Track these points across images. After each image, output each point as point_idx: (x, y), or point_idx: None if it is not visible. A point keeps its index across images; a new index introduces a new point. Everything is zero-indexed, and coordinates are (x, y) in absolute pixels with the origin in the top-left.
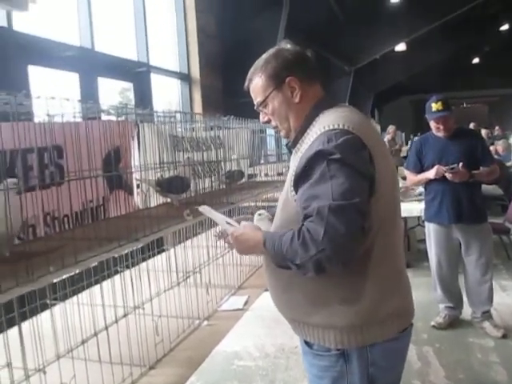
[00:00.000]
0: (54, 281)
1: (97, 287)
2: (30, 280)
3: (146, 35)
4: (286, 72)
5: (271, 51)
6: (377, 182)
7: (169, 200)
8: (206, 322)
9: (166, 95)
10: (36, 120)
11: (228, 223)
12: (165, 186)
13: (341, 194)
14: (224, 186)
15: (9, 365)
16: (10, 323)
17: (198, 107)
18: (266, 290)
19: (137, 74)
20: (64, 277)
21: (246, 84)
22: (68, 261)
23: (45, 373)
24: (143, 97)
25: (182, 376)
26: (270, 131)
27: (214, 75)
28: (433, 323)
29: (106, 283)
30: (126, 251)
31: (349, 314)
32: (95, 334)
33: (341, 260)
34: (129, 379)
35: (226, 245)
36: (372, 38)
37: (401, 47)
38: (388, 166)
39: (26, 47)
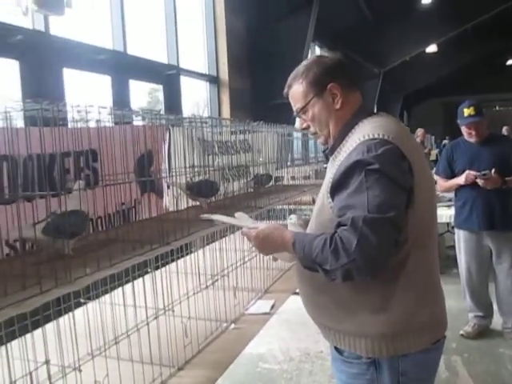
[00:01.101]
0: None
1: (127, 287)
2: (68, 281)
3: (177, 38)
4: (328, 78)
5: (312, 58)
6: (415, 194)
7: (198, 203)
8: (233, 325)
9: (194, 97)
10: (71, 125)
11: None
12: (195, 190)
13: (377, 206)
14: (252, 190)
15: (47, 362)
16: (45, 320)
17: (225, 109)
18: (294, 294)
19: (167, 76)
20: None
21: (285, 90)
22: (103, 263)
23: (80, 371)
24: (172, 99)
25: (210, 378)
26: (298, 134)
27: (243, 77)
28: (461, 332)
29: (137, 283)
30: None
31: (380, 322)
32: (127, 334)
33: (370, 271)
34: (158, 379)
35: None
36: (402, 40)
37: (432, 49)
38: (427, 178)
39: (61, 51)
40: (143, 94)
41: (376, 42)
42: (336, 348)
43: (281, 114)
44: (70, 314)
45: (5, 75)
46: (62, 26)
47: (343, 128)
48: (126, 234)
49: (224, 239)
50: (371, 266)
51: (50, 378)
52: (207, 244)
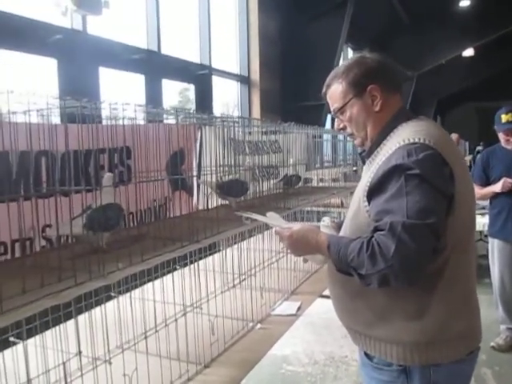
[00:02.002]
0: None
1: (156, 283)
2: (101, 275)
3: (210, 38)
4: (369, 80)
5: (353, 58)
6: (456, 201)
7: (227, 202)
8: (259, 325)
9: (224, 97)
10: (106, 122)
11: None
12: (225, 189)
13: (416, 212)
14: (281, 191)
15: (79, 353)
16: (77, 312)
17: (255, 109)
18: (321, 297)
19: (199, 76)
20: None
21: (324, 90)
22: (135, 259)
23: (110, 363)
24: (203, 98)
25: (235, 377)
26: (327, 136)
27: (273, 78)
28: (492, 344)
29: (165, 279)
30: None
31: (414, 330)
32: (156, 330)
33: (407, 278)
34: (185, 376)
35: (282, 244)
36: (438, 43)
37: (469, 52)
38: (468, 185)
39: (98, 50)
40: (174, 94)
41: (410, 45)
42: (366, 354)
43: (310, 115)
44: (102, 306)
45: (44, 73)
46: (98, 26)
47: (382, 131)
48: (156, 231)
49: (251, 239)
50: (408, 272)
51: (81, 369)
52: (234, 243)
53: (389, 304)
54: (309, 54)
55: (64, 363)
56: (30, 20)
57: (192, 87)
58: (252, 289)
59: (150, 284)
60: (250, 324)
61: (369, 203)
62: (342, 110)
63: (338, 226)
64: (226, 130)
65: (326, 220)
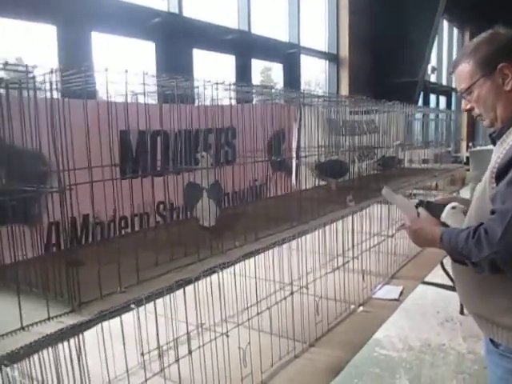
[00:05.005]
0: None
1: (258, 259)
2: (221, 252)
3: (299, 17)
4: (499, 58)
5: (484, 35)
6: None
7: (324, 183)
8: (361, 308)
9: (305, 74)
10: (211, 103)
11: (408, 209)
12: (324, 170)
13: None
14: (377, 172)
15: (201, 325)
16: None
17: (344, 88)
18: (423, 283)
19: (288, 55)
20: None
21: (451, 70)
22: (249, 237)
23: (228, 336)
24: (291, 77)
25: (340, 358)
26: (419, 115)
27: (363, 55)
28: None
29: (263, 256)
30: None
31: None
32: (268, 307)
33: None
34: (292, 353)
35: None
36: None
37: None
38: None
39: (192, 32)
40: (256, 73)
41: None
42: (491, 340)
43: (403, 93)
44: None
45: (143, 56)
46: (193, 8)
47: None
48: (262, 210)
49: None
50: None
51: (203, 339)
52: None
53: None
54: (402, 27)
55: (189, 333)
56: (130, 4)
57: (274, 67)
58: (353, 271)
59: (251, 260)
60: (352, 306)
61: (497, 184)
62: (468, 90)
63: (465, 212)
64: (325, 109)
65: (457, 206)
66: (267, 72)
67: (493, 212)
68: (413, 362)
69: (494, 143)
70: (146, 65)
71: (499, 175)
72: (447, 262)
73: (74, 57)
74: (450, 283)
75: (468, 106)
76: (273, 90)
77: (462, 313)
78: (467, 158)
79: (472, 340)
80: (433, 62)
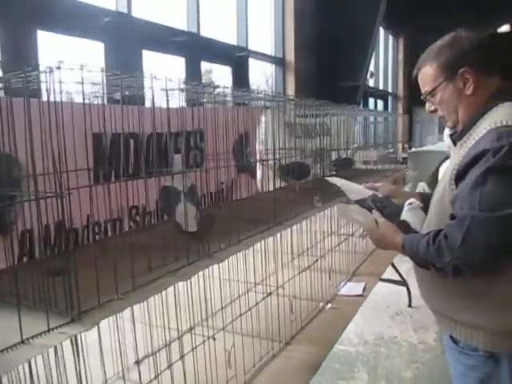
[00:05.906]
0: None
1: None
2: (207, 255)
3: (247, 20)
4: (461, 62)
5: (447, 38)
6: None
7: (286, 184)
8: (329, 305)
9: (252, 78)
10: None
11: (364, 221)
12: (288, 172)
13: (489, 203)
14: (334, 173)
15: (192, 328)
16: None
17: (290, 92)
18: (381, 280)
19: (236, 58)
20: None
21: (414, 72)
22: (233, 239)
23: (214, 339)
24: (240, 81)
25: (316, 354)
26: (359, 118)
27: (309, 59)
28: None
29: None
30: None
31: (502, 317)
32: (249, 308)
33: (475, 270)
34: (270, 353)
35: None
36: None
37: None
38: None
39: (141, 32)
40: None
41: (454, 23)
42: (451, 337)
43: (344, 96)
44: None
45: (91, 57)
46: (142, 8)
47: (473, 114)
48: (236, 212)
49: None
50: (475, 265)
51: (195, 343)
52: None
53: (478, 289)
54: (345, 34)
55: (179, 338)
56: (79, 3)
57: (215, 68)
58: (320, 270)
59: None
60: (321, 304)
61: (456, 187)
62: (432, 93)
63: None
64: (291, 112)
65: (414, 202)
66: (208, 74)
67: (452, 217)
68: (369, 355)
69: (455, 144)
70: (96, 65)
71: (458, 177)
72: (397, 261)
73: (18, 55)
74: (399, 278)
75: (432, 108)
76: (241, 93)
77: (410, 305)
78: (403, 158)
79: (422, 331)
80: (371, 67)
